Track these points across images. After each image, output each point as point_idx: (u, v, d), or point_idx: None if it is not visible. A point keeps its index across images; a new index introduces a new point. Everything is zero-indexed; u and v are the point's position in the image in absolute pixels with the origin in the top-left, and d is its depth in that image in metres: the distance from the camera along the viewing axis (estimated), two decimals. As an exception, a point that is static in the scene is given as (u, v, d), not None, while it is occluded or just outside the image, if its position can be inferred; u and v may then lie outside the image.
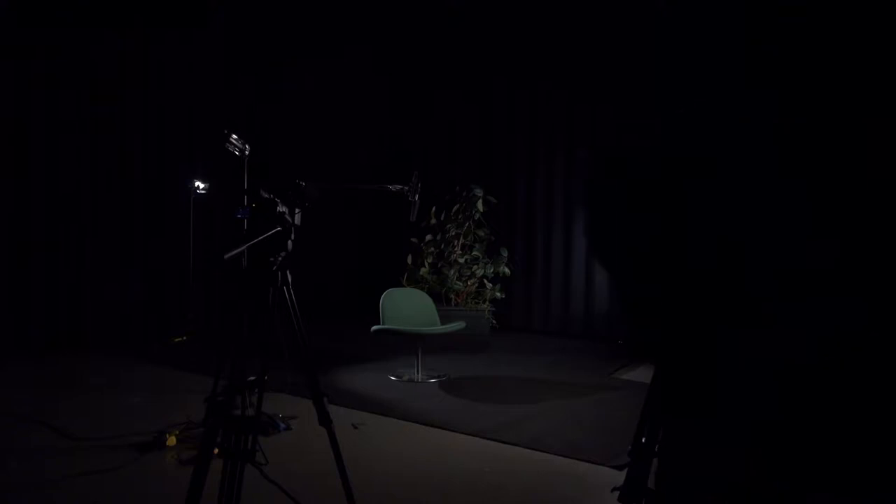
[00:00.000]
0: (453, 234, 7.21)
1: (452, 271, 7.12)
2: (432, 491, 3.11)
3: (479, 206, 7.20)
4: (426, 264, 7.13)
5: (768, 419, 2.55)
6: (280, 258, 2.30)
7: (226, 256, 2.09)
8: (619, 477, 2.10)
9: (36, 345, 5.83)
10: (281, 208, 2.33)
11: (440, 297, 6.94)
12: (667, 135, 1.70)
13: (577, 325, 7.52)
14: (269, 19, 7.56)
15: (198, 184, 6.38)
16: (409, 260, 7.36)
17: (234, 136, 3.81)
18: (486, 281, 7.25)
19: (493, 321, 7.23)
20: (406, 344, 5.23)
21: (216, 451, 2.16)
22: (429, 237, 7.26)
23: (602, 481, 2.98)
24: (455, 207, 7.27)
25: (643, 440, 1.98)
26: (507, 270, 7.34)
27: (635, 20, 6.73)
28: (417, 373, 5.15)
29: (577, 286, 7.54)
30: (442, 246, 7.25)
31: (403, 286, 6.33)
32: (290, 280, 2.34)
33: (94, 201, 6.33)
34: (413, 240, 7.34)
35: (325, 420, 2.41)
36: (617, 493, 2.01)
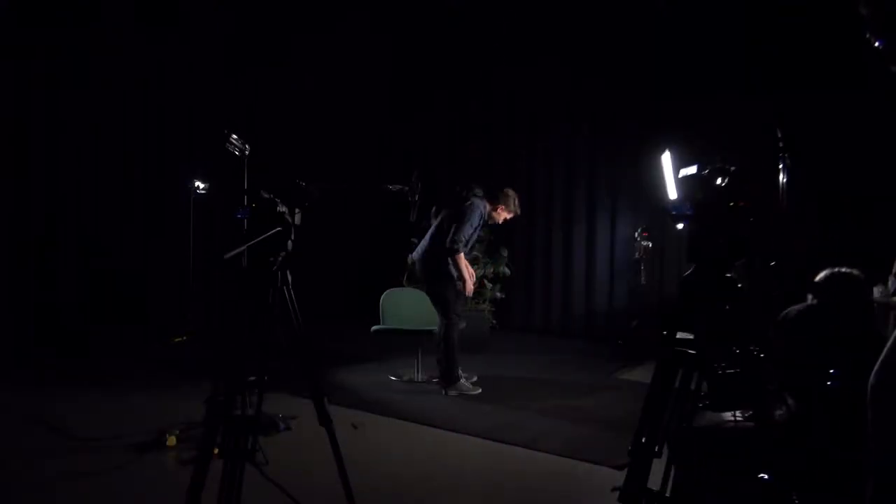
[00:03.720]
0: (453, 233, 7.19)
1: (452, 271, 7.11)
2: (432, 491, 3.11)
3: (480, 206, 7.19)
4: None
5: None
6: (280, 258, 2.30)
7: (226, 256, 2.09)
8: (619, 477, 2.10)
9: (36, 344, 5.83)
10: (281, 208, 2.33)
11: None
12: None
13: (577, 325, 7.52)
14: (268, 15, 7.56)
15: (198, 184, 6.37)
16: (410, 260, 7.34)
17: (234, 136, 3.80)
18: (486, 281, 7.24)
19: (493, 321, 7.22)
20: (406, 344, 5.23)
21: (216, 451, 2.16)
22: (429, 237, 7.25)
23: (602, 481, 2.98)
24: (455, 207, 7.26)
25: (643, 440, 1.98)
26: (507, 270, 7.33)
27: (637, 20, 6.73)
28: (417, 373, 5.15)
29: (577, 286, 7.53)
30: (442, 246, 7.23)
31: (403, 286, 6.32)
32: (289, 280, 2.34)
33: (94, 201, 6.33)
34: (413, 240, 7.32)
35: (325, 420, 2.40)
36: (617, 493, 2.01)
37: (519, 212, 5.01)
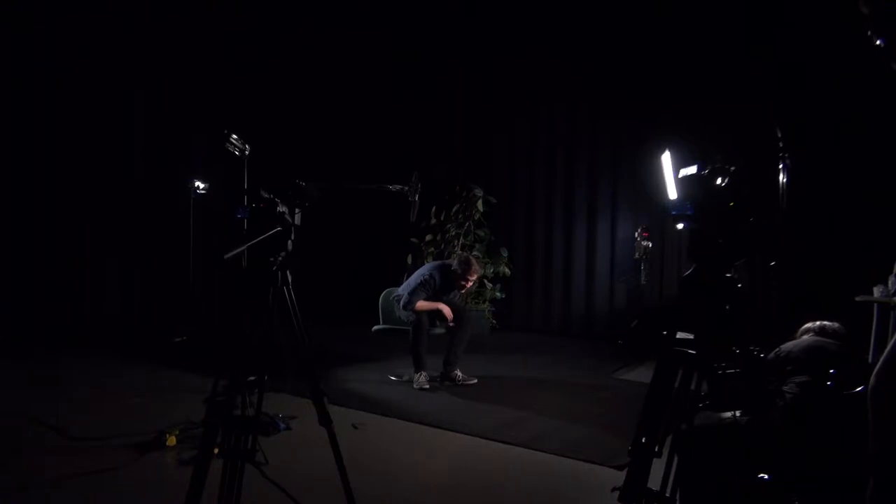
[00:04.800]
0: (453, 234, 7.20)
1: (452, 271, 7.11)
2: (432, 491, 3.11)
3: (479, 206, 7.20)
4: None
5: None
6: (280, 258, 2.30)
7: (226, 256, 2.09)
8: (619, 477, 2.10)
9: (36, 345, 5.83)
10: (281, 208, 2.33)
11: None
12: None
13: (577, 325, 7.52)
14: (268, 15, 7.56)
15: (198, 184, 6.37)
16: (409, 260, 7.36)
17: (234, 136, 3.80)
18: (486, 281, 7.24)
19: (493, 321, 7.23)
20: (406, 344, 5.22)
21: (216, 451, 2.16)
22: (429, 237, 7.26)
23: (602, 481, 2.98)
24: (455, 207, 7.27)
25: (643, 440, 1.98)
26: (507, 270, 7.33)
27: (638, 20, 6.72)
28: (417, 373, 5.14)
29: (577, 286, 7.54)
30: (442, 246, 7.24)
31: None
32: (290, 280, 2.33)
33: (95, 201, 6.33)
34: (413, 240, 7.34)
35: (325, 420, 2.40)
36: (617, 493, 2.01)
37: (482, 272, 5.35)
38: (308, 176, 2.44)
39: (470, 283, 5.23)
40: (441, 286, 5.13)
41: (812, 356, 2.72)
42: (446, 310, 5.05)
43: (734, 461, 2.40)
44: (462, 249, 7.24)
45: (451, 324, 5.05)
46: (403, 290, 5.20)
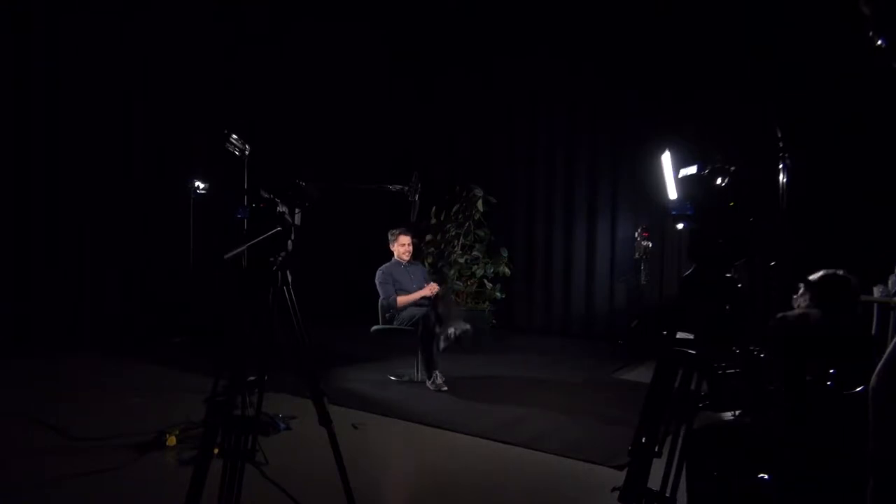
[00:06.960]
0: (453, 234, 7.20)
1: (452, 271, 7.11)
2: (432, 491, 3.11)
3: (479, 206, 7.19)
4: (426, 264, 7.13)
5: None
6: (280, 258, 2.30)
7: (226, 256, 2.09)
8: (619, 477, 2.10)
9: (36, 345, 5.83)
10: (281, 208, 2.33)
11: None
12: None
13: (577, 325, 7.52)
14: (268, 15, 7.56)
15: (198, 184, 6.37)
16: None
17: (234, 136, 3.80)
18: (486, 281, 7.24)
19: (493, 321, 7.22)
20: (406, 344, 5.23)
21: (216, 451, 2.16)
22: (429, 237, 7.25)
23: (602, 481, 2.98)
24: (455, 207, 7.26)
25: (643, 440, 1.98)
26: (507, 270, 7.33)
27: (638, 19, 6.72)
28: (417, 373, 5.14)
29: (577, 286, 7.54)
30: (442, 246, 7.24)
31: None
32: (290, 280, 2.34)
33: (94, 201, 6.33)
34: (413, 240, 7.32)
35: (325, 420, 2.40)
36: (617, 493, 2.01)
37: (405, 243, 5.50)
38: (308, 176, 2.44)
39: (406, 245, 5.46)
40: (393, 268, 5.35)
41: (820, 354, 2.72)
42: (427, 290, 5.20)
43: (734, 461, 2.39)
44: (462, 249, 7.23)
45: (435, 291, 5.21)
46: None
